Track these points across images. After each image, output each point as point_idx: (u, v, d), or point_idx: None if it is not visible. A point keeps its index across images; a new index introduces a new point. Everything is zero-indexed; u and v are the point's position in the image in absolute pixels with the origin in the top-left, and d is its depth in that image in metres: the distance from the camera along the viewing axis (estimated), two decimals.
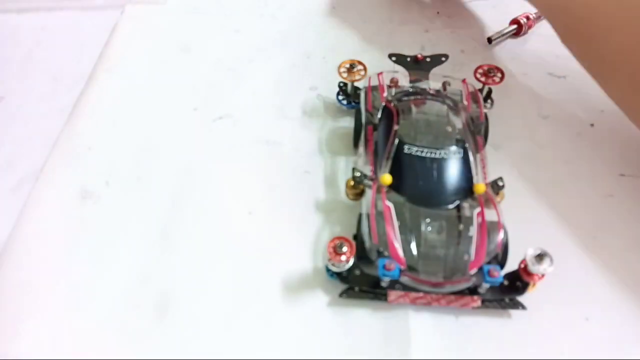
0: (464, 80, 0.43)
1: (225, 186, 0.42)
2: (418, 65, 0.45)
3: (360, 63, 0.45)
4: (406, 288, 0.33)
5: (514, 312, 0.34)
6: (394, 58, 0.46)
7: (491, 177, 0.37)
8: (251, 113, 0.47)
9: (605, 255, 0.37)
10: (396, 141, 0.36)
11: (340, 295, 0.35)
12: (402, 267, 0.32)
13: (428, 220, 0.34)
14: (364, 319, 0.34)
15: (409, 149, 0.36)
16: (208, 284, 0.37)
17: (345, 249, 0.33)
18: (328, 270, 0.35)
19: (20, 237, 0.39)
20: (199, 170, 0.43)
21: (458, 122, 0.38)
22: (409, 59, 0.46)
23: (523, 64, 0.50)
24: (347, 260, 0.33)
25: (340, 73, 0.45)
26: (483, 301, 0.33)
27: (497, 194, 0.36)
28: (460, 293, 0.33)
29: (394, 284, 0.33)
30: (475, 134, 0.39)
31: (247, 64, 0.52)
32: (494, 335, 0.33)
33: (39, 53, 0.54)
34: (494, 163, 0.39)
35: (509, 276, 0.33)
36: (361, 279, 0.34)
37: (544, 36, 0.52)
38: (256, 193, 0.41)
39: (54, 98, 0.49)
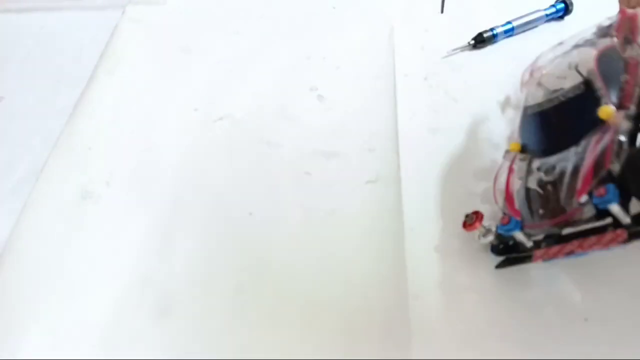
0: (621, 11, 0.39)
1: (225, 186, 0.42)
2: None
3: None
4: (548, 242, 0.33)
5: (513, 313, 0.34)
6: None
7: None
8: (252, 114, 0.47)
9: (605, 255, 0.37)
10: (521, 108, 0.37)
11: (497, 267, 0.36)
12: (518, 219, 0.33)
13: (544, 166, 0.34)
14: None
15: (532, 109, 0.37)
16: (208, 284, 0.37)
17: (472, 218, 0.35)
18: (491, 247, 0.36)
19: (20, 237, 0.39)
20: (200, 170, 0.43)
21: (589, 55, 0.36)
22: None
23: None
24: (479, 226, 0.34)
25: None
26: (631, 235, 0.30)
27: None
28: (602, 231, 0.31)
29: (539, 243, 0.34)
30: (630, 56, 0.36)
31: (247, 65, 0.52)
32: (493, 335, 0.33)
33: (39, 53, 0.54)
34: None
35: None
36: (512, 248, 0.35)
37: None
38: (257, 194, 0.41)
39: (54, 98, 0.49)
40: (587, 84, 0.34)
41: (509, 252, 0.35)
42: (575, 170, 0.32)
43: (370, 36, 0.54)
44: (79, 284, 0.37)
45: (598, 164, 0.31)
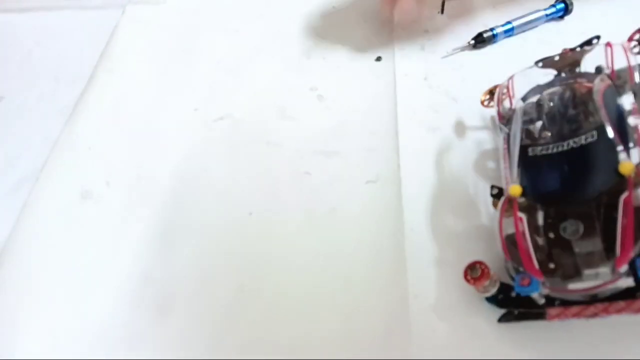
0: (608, 44, 0.36)
1: (225, 187, 0.42)
2: (569, 60, 0.38)
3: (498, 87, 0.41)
4: (566, 302, 0.30)
5: None
6: (540, 64, 0.39)
7: None
8: (252, 114, 0.47)
9: None
10: (517, 147, 0.34)
11: (499, 320, 0.33)
12: (540, 280, 0.29)
13: (564, 222, 0.30)
14: None
15: (532, 150, 0.33)
16: (208, 284, 0.37)
17: (478, 272, 0.31)
18: (486, 298, 0.33)
19: (20, 237, 0.39)
20: (200, 170, 0.43)
21: (592, 98, 0.33)
22: (557, 58, 0.38)
23: None
24: (485, 283, 0.31)
25: (484, 104, 0.42)
26: None
27: None
28: (630, 296, 0.29)
29: (553, 300, 0.31)
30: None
31: (247, 64, 0.52)
32: (492, 335, 0.33)
33: (39, 53, 0.54)
34: None
35: None
36: (516, 300, 0.31)
37: None
38: (257, 194, 0.41)
39: (54, 98, 0.49)
40: (601, 130, 0.31)
41: (510, 305, 0.32)
42: (610, 234, 0.29)
43: (370, 36, 0.54)
44: (78, 283, 0.37)
45: (638, 229, 0.28)
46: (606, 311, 0.29)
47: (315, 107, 0.48)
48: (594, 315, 0.29)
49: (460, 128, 0.44)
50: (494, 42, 0.51)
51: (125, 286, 0.37)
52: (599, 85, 0.34)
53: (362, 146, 0.44)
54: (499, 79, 0.44)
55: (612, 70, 0.35)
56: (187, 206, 0.41)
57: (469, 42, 0.51)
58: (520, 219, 0.31)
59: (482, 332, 0.34)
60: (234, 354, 0.33)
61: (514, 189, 0.32)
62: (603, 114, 0.32)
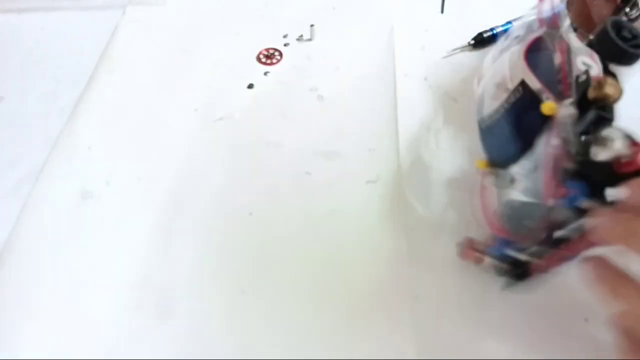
0: None
1: (225, 187, 0.42)
2: None
3: None
4: (540, 252, 0.32)
5: (514, 313, 0.34)
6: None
7: None
8: (251, 114, 0.47)
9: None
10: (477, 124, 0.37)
11: (503, 289, 0.34)
12: (504, 236, 0.32)
13: (510, 178, 0.33)
14: None
15: (483, 122, 0.36)
16: (209, 284, 0.37)
17: (461, 247, 0.34)
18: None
19: (20, 237, 0.39)
20: (200, 170, 0.43)
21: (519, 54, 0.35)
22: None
23: None
24: (474, 254, 0.34)
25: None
26: None
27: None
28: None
29: (537, 254, 0.32)
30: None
31: (247, 65, 0.52)
32: (493, 336, 0.33)
33: (39, 53, 0.54)
34: None
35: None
36: (514, 266, 0.33)
37: None
38: (257, 194, 0.41)
39: (54, 98, 0.49)
40: (524, 84, 0.33)
41: (510, 274, 0.34)
42: (539, 177, 0.30)
43: (370, 36, 0.54)
44: (79, 284, 0.37)
45: (556, 163, 0.29)
46: (574, 250, 0.30)
47: (315, 107, 0.48)
48: (565, 258, 0.31)
49: (460, 128, 0.44)
50: (494, 42, 0.51)
51: (125, 286, 0.37)
52: (522, 46, 0.35)
53: (362, 146, 0.44)
54: None
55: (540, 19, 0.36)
56: (187, 206, 0.41)
57: (469, 42, 0.51)
58: (484, 187, 0.34)
59: (484, 332, 0.34)
60: (234, 355, 0.33)
61: (480, 163, 0.36)
62: (523, 67, 0.33)
